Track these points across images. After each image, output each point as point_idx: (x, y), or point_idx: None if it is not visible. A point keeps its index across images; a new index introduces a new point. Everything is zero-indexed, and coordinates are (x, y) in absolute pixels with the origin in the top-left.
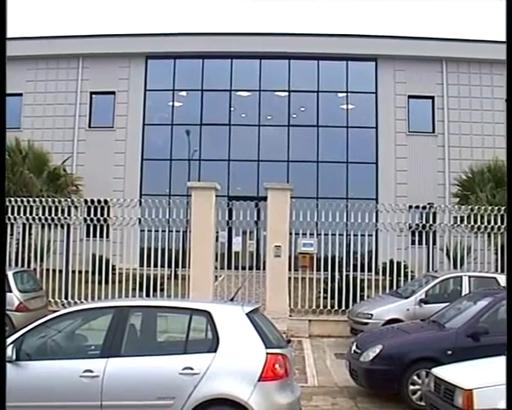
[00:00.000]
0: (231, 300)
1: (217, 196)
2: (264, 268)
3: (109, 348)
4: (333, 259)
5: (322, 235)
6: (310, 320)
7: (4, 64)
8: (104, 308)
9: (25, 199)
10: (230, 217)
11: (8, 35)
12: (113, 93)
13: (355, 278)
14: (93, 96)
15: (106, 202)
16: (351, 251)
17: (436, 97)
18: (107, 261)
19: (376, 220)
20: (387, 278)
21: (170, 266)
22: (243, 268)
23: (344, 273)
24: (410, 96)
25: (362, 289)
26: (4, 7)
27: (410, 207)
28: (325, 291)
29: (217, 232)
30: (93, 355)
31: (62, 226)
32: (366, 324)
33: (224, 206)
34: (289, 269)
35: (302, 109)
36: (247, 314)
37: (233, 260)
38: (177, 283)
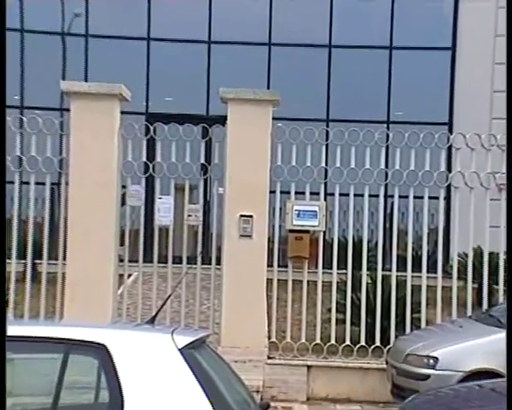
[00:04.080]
0: (151, 321)
1: (124, 112)
2: (218, 261)
3: None
4: (356, 244)
5: (336, 195)
6: (309, 366)
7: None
8: None
9: None
10: (152, 156)
11: None
12: None
13: (401, 284)
14: None
15: None
16: (394, 229)
17: None
18: None
19: (449, 168)
20: (469, 285)
21: (23, 256)
22: (176, 260)
23: (379, 273)
24: None
25: (415, 307)
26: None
27: None
28: (340, 308)
29: (123, 188)
30: None
31: None
32: (425, 377)
33: (139, 133)
34: (269, 264)
35: None
36: (181, 351)
37: (156, 243)
38: (37, 288)
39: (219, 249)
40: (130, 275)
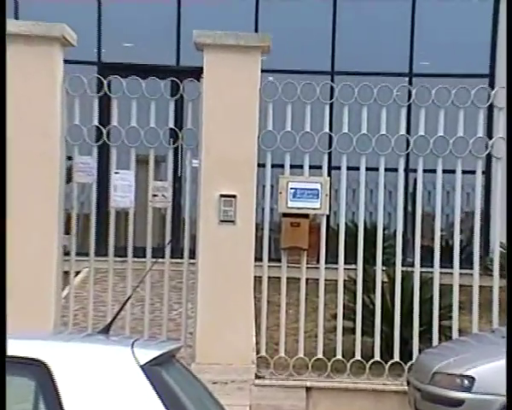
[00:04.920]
0: (105, 331)
1: (70, 61)
2: (192, 254)
3: None
4: (369, 232)
5: (343, 169)
6: (309, 388)
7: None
8: None
9: None
10: (107, 119)
11: None
12: None
13: (427, 283)
14: None
15: None
16: (417, 213)
17: None
18: None
19: (490, 134)
20: None
21: None
22: (139, 253)
23: (398, 270)
24: None
25: (445, 313)
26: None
27: None
28: (349, 314)
29: (69, 160)
30: None
31: None
32: (458, 403)
33: (89, 89)
34: (258, 257)
35: None
36: (143, 368)
37: (112, 231)
38: None
39: (194, 239)
40: (78, 272)
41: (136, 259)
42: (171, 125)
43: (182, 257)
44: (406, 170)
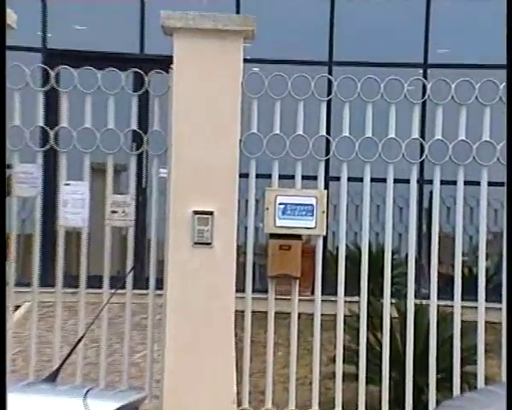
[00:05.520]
0: (51, 378)
1: (7, 47)
2: (159, 284)
3: None
4: (375, 257)
5: (344, 180)
6: None
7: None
8: None
9: None
10: (54, 119)
11: None
12: None
13: (446, 319)
14: None
15: None
16: (433, 233)
17: None
18: None
19: None
20: None
21: None
22: (94, 283)
23: (410, 302)
24: None
25: (469, 356)
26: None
27: None
28: (350, 357)
29: (8, 168)
30: None
31: None
32: None
33: (32, 82)
34: (238, 288)
35: None
36: None
37: (60, 256)
38: None
39: (161, 265)
40: (18, 306)
41: (90, 290)
42: (134, 126)
43: (147, 288)
44: (420, 181)
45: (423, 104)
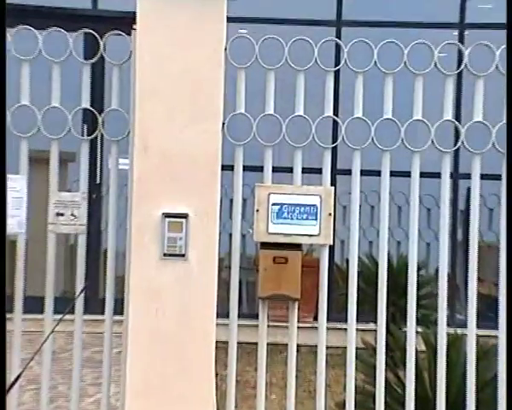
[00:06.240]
0: None
1: None
2: (119, 308)
3: None
4: (396, 272)
5: (356, 173)
6: None
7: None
8: None
9: None
10: None
11: None
12: None
13: (487, 352)
14: None
15: None
16: (472, 243)
17: None
18: None
19: None
20: None
21: None
22: (33, 306)
23: (441, 331)
24: None
25: None
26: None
27: None
28: (364, 400)
29: None
30: None
31: None
32: None
33: None
34: (220, 313)
35: None
36: None
37: None
38: None
39: (122, 284)
40: None
41: (28, 315)
42: (86, 104)
43: (102, 312)
44: (454, 175)
45: (459, 76)
